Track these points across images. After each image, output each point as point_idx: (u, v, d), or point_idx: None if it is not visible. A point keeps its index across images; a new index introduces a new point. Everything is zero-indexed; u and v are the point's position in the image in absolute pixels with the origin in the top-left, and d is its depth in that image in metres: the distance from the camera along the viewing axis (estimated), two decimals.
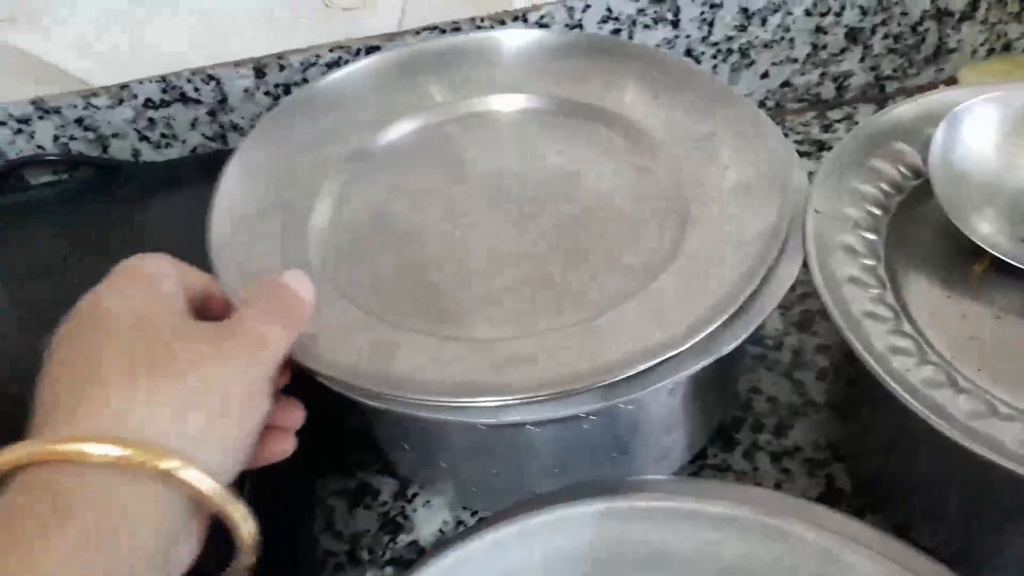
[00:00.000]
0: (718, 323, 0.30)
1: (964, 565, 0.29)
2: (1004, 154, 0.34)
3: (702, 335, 0.30)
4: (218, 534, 0.28)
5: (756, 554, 0.29)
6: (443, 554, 0.28)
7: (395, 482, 0.40)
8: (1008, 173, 0.34)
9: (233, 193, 0.38)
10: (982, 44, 0.56)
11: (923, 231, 0.35)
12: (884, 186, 0.35)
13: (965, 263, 0.33)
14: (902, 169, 0.36)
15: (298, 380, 0.36)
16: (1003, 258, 0.32)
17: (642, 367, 0.29)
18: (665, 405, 0.34)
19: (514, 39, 0.44)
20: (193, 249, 0.36)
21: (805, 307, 0.44)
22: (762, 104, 0.57)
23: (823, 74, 0.56)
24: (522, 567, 0.29)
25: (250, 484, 0.33)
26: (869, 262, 0.33)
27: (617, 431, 0.34)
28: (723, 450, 0.39)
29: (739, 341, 0.30)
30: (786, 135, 0.55)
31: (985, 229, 0.34)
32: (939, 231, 0.34)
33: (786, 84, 0.56)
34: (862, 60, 0.56)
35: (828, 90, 0.57)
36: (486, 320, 0.33)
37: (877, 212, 0.35)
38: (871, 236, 0.34)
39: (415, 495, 0.39)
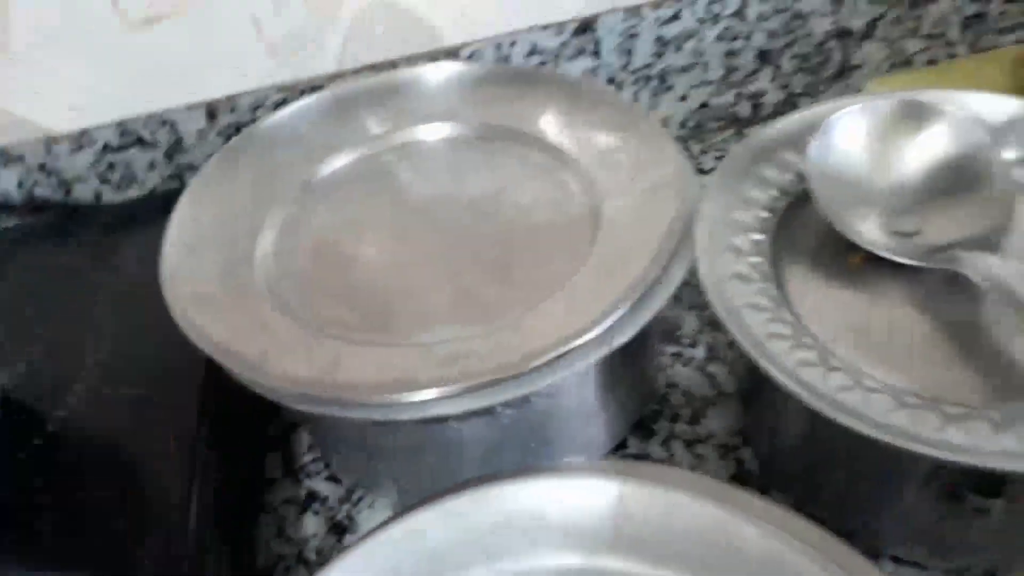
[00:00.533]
0: (619, 314, 0.34)
1: (857, 536, 0.32)
2: (874, 156, 0.38)
3: (606, 325, 0.34)
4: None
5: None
6: (363, 542, 0.31)
7: (340, 487, 0.43)
8: (879, 174, 0.38)
9: (184, 226, 0.42)
10: (884, 59, 0.61)
11: (807, 231, 0.38)
12: (772, 192, 0.39)
13: (843, 256, 0.37)
14: (788, 176, 0.40)
15: (249, 397, 0.39)
16: (877, 251, 0.36)
17: (553, 355, 0.33)
18: (579, 394, 0.37)
19: (440, 72, 0.48)
20: (152, 281, 0.39)
21: None
22: (683, 125, 0.61)
23: (738, 94, 0.60)
24: (443, 546, 0.32)
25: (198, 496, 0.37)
26: (755, 259, 0.36)
27: (536, 422, 0.37)
28: (642, 440, 0.43)
29: (637, 329, 0.34)
30: (705, 152, 0.59)
31: (860, 226, 0.37)
32: (820, 230, 0.38)
33: (704, 105, 0.60)
34: (773, 80, 0.60)
35: (744, 109, 0.61)
36: (423, 329, 0.36)
37: (765, 215, 0.38)
38: (758, 236, 0.37)
39: (360, 498, 0.42)
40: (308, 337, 0.36)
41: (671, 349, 0.47)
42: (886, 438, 0.29)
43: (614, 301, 0.34)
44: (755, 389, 0.41)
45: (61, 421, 0.40)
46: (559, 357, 0.33)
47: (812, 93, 0.61)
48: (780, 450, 0.40)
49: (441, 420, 0.35)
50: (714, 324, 0.47)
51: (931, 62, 0.62)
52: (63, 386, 0.41)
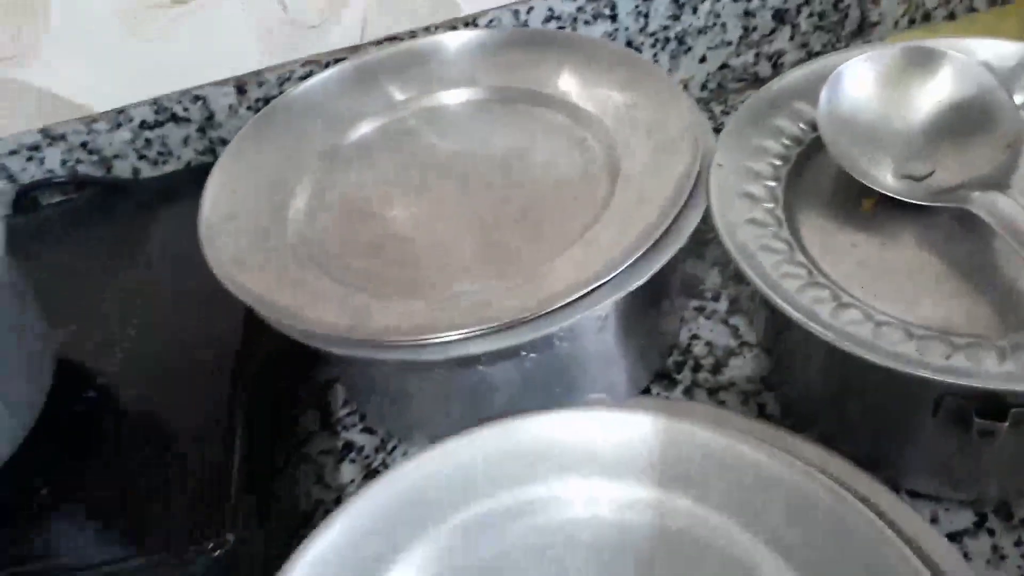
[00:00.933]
0: (635, 257, 0.35)
1: (875, 472, 0.33)
2: (882, 103, 0.39)
3: (621, 268, 0.35)
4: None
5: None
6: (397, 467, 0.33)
7: (375, 437, 0.45)
8: (889, 120, 0.39)
9: (218, 195, 0.44)
10: (903, 15, 0.61)
11: (819, 177, 0.39)
12: (784, 140, 0.40)
13: (856, 201, 0.38)
14: (800, 125, 0.40)
15: (284, 356, 0.41)
16: (887, 193, 0.37)
17: (572, 297, 0.34)
18: (599, 339, 0.39)
19: (459, 39, 0.49)
20: (191, 251, 0.41)
21: None
22: (704, 86, 0.62)
23: (757, 54, 0.61)
24: (472, 471, 0.33)
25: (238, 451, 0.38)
26: (768, 205, 0.37)
27: (560, 367, 0.39)
28: (665, 389, 0.44)
29: (651, 274, 0.35)
30: (727, 112, 0.60)
31: (872, 170, 0.38)
32: (832, 176, 0.39)
33: (724, 66, 0.61)
34: (792, 39, 0.60)
35: (764, 69, 0.62)
36: (449, 280, 0.38)
37: (777, 163, 0.39)
38: (771, 183, 0.38)
39: (394, 447, 0.44)
40: (341, 289, 0.38)
41: (694, 303, 0.48)
42: (895, 366, 0.30)
43: (628, 247, 0.36)
44: (775, 334, 0.42)
45: (107, 380, 0.42)
46: (575, 301, 0.35)
47: (831, 52, 0.62)
48: (800, 392, 0.41)
49: (467, 363, 0.37)
50: (736, 278, 0.48)
51: (950, 16, 0.62)
52: (108, 349, 0.44)
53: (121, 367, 0.43)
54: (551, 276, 0.36)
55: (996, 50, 0.40)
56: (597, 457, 0.33)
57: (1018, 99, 0.38)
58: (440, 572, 0.32)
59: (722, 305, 0.48)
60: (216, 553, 0.33)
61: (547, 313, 0.35)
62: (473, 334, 0.34)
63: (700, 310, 0.47)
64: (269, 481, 0.41)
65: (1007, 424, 0.30)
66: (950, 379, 0.29)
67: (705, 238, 0.49)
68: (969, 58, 0.38)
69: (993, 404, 0.30)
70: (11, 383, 0.38)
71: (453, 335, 0.34)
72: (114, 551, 0.35)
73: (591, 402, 0.37)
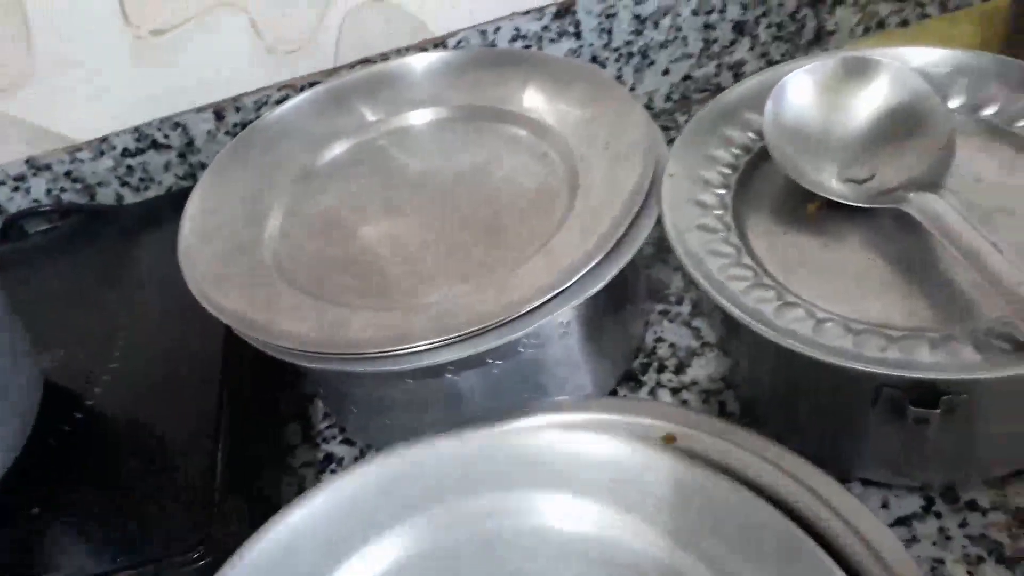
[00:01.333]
0: (592, 264, 0.37)
1: (828, 463, 0.33)
2: (823, 111, 0.41)
3: (580, 275, 0.37)
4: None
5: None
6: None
7: (355, 448, 0.47)
8: (829, 126, 0.41)
9: (196, 216, 0.46)
10: (858, 24, 0.63)
11: (767, 185, 0.41)
12: (734, 149, 0.42)
13: (801, 206, 0.40)
14: (749, 134, 0.42)
15: (265, 372, 0.43)
16: (831, 197, 0.39)
17: (535, 303, 0.36)
18: (564, 344, 0.41)
19: (426, 60, 0.52)
20: (171, 272, 0.43)
21: None
22: (668, 98, 0.64)
23: (719, 65, 0.63)
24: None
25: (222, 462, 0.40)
26: (717, 212, 0.39)
27: (526, 372, 0.40)
28: (631, 390, 0.46)
29: (609, 277, 0.37)
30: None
31: (815, 176, 0.40)
32: (780, 183, 0.41)
33: (687, 78, 0.63)
34: (751, 49, 0.63)
35: (726, 79, 0.64)
36: (418, 291, 0.40)
37: (727, 171, 0.41)
38: (720, 191, 0.40)
39: None
40: (314, 304, 0.39)
41: (659, 307, 0.50)
42: (834, 360, 0.32)
43: (586, 255, 0.38)
44: (728, 335, 0.44)
45: (95, 399, 0.44)
46: (539, 307, 0.36)
47: (790, 61, 0.64)
48: (754, 390, 0.43)
49: (437, 372, 0.38)
50: None
51: (903, 24, 0.64)
52: (95, 369, 0.45)
53: (108, 386, 0.45)
54: (515, 284, 0.38)
55: (930, 57, 0.42)
56: (566, 473, 0.34)
57: (952, 104, 0.40)
58: (407, 558, 0.33)
59: (685, 308, 0.49)
60: (204, 553, 0.35)
61: (512, 320, 0.36)
62: (442, 343, 0.36)
63: (664, 313, 0.49)
64: (255, 484, 0.43)
65: (939, 411, 0.32)
66: (884, 370, 0.31)
67: (668, 245, 0.51)
68: (904, 66, 0.40)
69: (926, 393, 0.32)
70: (0, 407, 0.40)
71: (422, 345, 0.36)
72: (106, 562, 0.37)
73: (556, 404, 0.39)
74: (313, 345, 0.37)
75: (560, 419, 0.36)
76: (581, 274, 0.37)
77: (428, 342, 0.36)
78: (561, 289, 0.37)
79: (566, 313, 0.38)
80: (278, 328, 0.38)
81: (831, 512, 0.31)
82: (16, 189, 0.58)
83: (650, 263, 0.51)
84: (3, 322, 0.42)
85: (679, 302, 0.50)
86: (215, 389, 0.43)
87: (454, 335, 0.36)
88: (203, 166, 0.59)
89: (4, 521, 0.39)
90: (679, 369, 0.46)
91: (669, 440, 0.34)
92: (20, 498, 0.40)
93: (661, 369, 0.46)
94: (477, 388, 0.40)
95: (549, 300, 0.37)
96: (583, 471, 0.34)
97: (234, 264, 0.42)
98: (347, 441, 0.47)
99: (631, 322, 0.47)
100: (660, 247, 0.52)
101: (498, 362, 0.39)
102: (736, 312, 0.34)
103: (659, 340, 0.48)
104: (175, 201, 0.50)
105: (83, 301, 0.51)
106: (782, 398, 0.41)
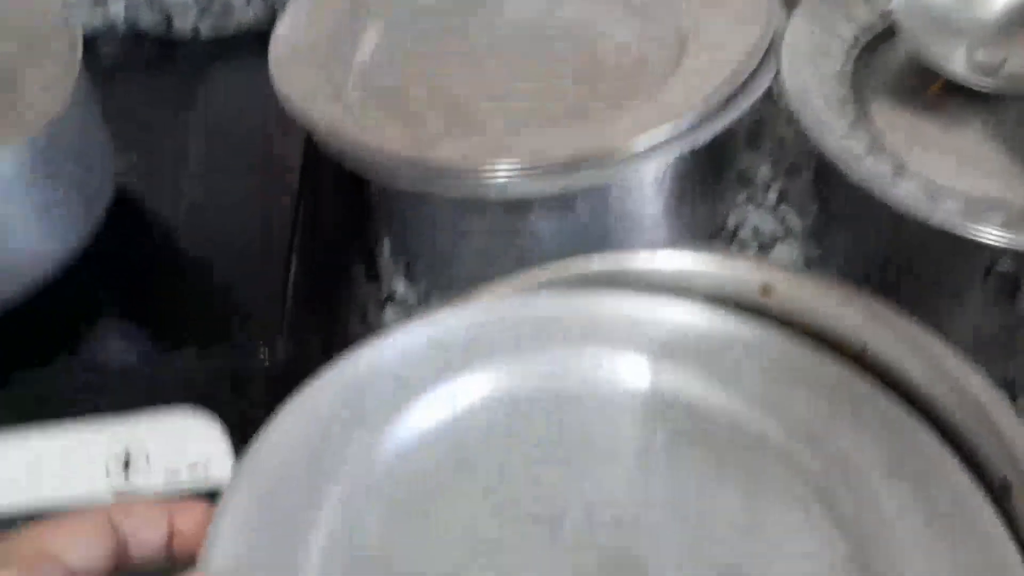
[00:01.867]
0: (694, 116, 0.36)
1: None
2: None
3: (682, 125, 0.36)
4: None
5: None
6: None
7: (418, 289, 0.46)
8: (964, 8, 0.39)
9: (288, 31, 0.44)
10: None
11: (887, 63, 0.39)
12: (857, 24, 0.40)
13: (925, 88, 0.38)
14: (873, 12, 0.40)
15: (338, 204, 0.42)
16: (957, 80, 0.37)
17: (635, 148, 0.35)
18: (655, 198, 0.39)
19: None
20: (243, 113, 0.42)
21: (794, 160, 0.49)
22: None
23: None
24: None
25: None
26: (837, 84, 0.37)
27: (611, 223, 0.39)
28: None
29: (716, 131, 0.36)
30: None
31: (942, 56, 0.38)
32: (903, 63, 0.39)
33: None
34: None
35: None
36: (511, 124, 0.39)
37: (849, 46, 0.39)
38: (842, 64, 0.38)
39: (434, 300, 0.46)
40: (403, 127, 0.38)
41: (745, 192, 0.48)
42: (952, 228, 0.31)
43: (692, 105, 0.36)
44: (828, 215, 0.42)
45: (165, 206, 0.43)
46: (637, 153, 0.35)
47: None
48: (851, 270, 0.42)
49: (523, 208, 0.37)
50: (788, 172, 0.48)
51: None
52: (167, 178, 0.45)
53: (180, 196, 0.44)
54: (612, 128, 0.37)
55: None
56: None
57: None
58: (480, 401, 0.32)
59: (771, 196, 0.48)
60: (272, 352, 0.34)
61: (611, 159, 0.35)
62: (534, 171, 0.35)
63: (750, 199, 0.48)
64: (323, 308, 0.42)
65: None
66: (1005, 242, 0.30)
67: (761, 130, 0.49)
68: None
69: None
70: (73, 193, 0.39)
71: (514, 170, 0.35)
72: (169, 353, 0.37)
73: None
74: (401, 160, 0.36)
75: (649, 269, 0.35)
76: (689, 123, 0.35)
77: (519, 169, 0.35)
78: (666, 139, 0.35)
79: (663, 166, 0.37)
80: (366, 140, 0.37)
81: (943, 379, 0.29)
82: (96, 5, 0.57)
83: (741, 147, 0.50)
84: (84, 116, 0.41)
85: (766, 190, 0.48)
86: (291, 208, 0.42)
87: (549, 162, 0.35)
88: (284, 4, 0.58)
89: (71, 306, 0.39)
90: (760, 250, 0.45)
91: (765, 292, 0.33)
92: (88, 284, 0.40)
93: (741, 250, 0.45)
94: (556, 233, 0.39)
95: (650, 149, 0.35)
96: (663, 335, 0.32)
97: (325, 81, 0.41)
98: (411, 281, 0.47)
99: (719, 199, 0.45)
100: (753, 133, 0.50)
101: (585, 206, 0.38)
102: (855, 173, 0.33)
103: (741, 224, 0.47)
104: (251, 40, 0.48)
105: (159, 120, 0.50)
106: (879, 276, 0.39)
